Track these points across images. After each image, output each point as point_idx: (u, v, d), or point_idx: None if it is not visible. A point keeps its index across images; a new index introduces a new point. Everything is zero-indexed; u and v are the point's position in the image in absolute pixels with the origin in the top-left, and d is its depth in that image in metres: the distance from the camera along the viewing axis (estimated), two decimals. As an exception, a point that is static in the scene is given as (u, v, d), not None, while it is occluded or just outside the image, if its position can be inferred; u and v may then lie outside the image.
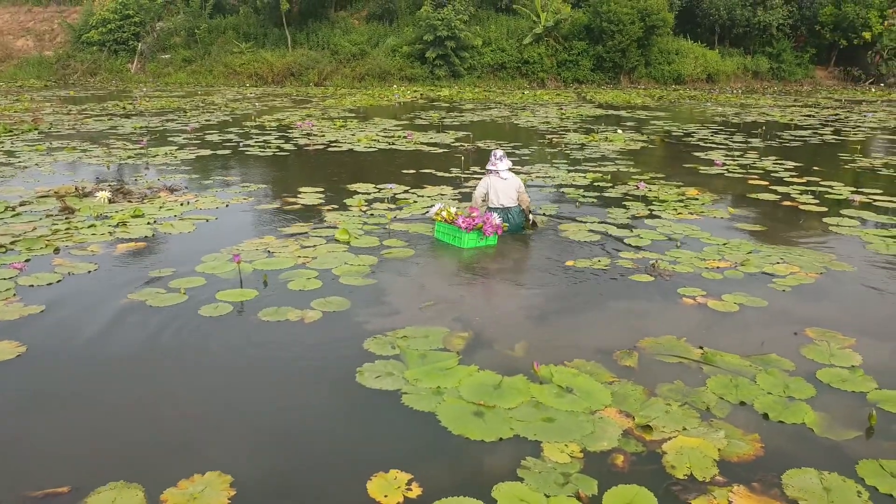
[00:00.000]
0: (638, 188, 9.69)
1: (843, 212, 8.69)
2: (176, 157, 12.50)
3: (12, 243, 6.86)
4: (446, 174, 11.23)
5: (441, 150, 13.85)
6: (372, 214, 8.34)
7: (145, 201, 8.84)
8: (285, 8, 35.25)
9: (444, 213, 7.13)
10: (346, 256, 6.63)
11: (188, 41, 37.88)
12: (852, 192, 9.78)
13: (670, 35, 37.91)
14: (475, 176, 11.03)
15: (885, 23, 38.51)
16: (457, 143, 14.83)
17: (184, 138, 15.05)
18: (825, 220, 8.34)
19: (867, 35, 38.01)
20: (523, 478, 3.23)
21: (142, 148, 13.26)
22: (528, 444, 3.52)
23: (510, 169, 7.62)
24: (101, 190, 8.72)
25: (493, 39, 37.23)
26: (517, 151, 13.79)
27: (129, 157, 12.35)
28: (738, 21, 38.48)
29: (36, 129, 15.95)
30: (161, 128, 16.98)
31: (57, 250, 6.71)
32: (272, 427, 3.75)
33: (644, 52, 37.17)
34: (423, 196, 9.43)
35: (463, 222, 6.88)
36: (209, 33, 37.63)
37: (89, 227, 7.54)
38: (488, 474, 3.30)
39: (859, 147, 14.75)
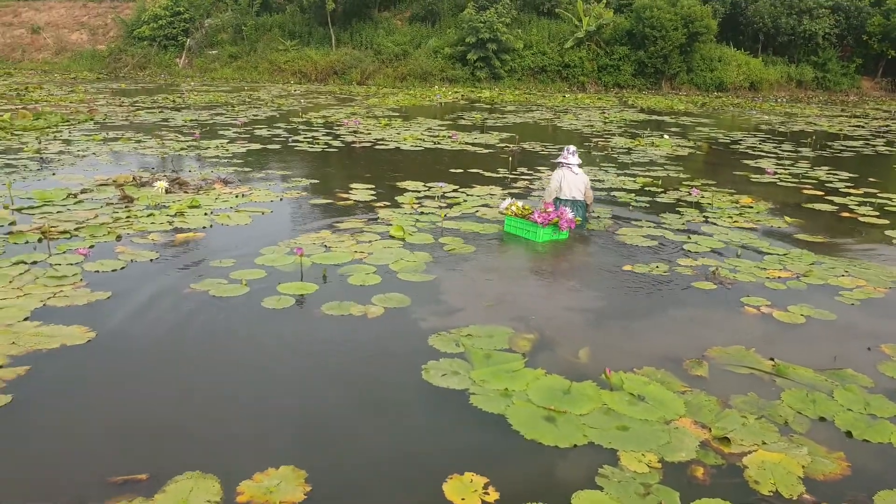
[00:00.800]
0: (691, 194, 9.53)
1: (907, 226, 8.45)
2: (227, 150, 12.65)
3: (76, 229, 6.99)
4: (494, 174, 11.17)
5: (486, 151, 13.80)
6: (423, 212, 8.33)
7: (201, 192, 8.95)
8: (331, 7, 35.53)
9: (514, 208, 7.37)
10: (401, 253, 6.63)
11: (235, 38, 38.42)
12: (915, 206, 9.51)
13: (713, 42, 37.33)
14: (522, 177, 10.97)
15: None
16: (501, 144, 14.77)
17: (233, 132, 15.23)
18: (887, 232, 8.11)
19: (918, 46, 37.04)
20: (602, 486, 3.17)
21: (194, 140, 13.44)
22: (603, 451, 3.46)
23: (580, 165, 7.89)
24: (159, 180, 8.86)
25: (534, 43, 37.07)
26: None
27: (182, 149, 12.53)
28: (782, 29, 37.74)
29: (91, 120, 16.28)
30: (211, 121, 17.20)
31: (119, 238, 6.82)
32: (342, 422, 3.75)
33: (686, 58, 36.68)
34: (472, 195, 9.40)
35: (539, 217, 7.09)
36: (255, 31, 38.12)
37: (148, 215, 7.66)
38: (565, 481, 3.25)
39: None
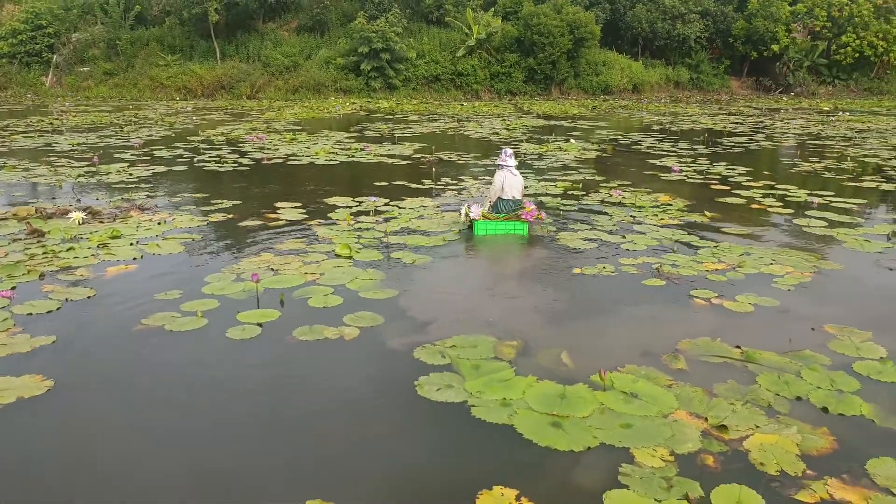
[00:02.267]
0: (613, 195, 9.94)
1: (809, 213, 9.17)
2: (131, 174, 11.97)
3: (-10, 270, 6.40)
4: (419, 185, 11.20)
5: (404, 163, 13.81)
6: (361, 228, 8.23)
7: (117, 221, 8.42)
8: (214, 19, 34.37)
9: (482, 213, 7.95)
10: (354, 271, 6.51)
11: (108, 53, 36.36)
12: (808, 195, 10.33)
13: (597, 47, 39.18)
14: (449, 187, 11.05)
15: (790, 36, 41.04)
16: (417, 155, 14.82)
17: (131, 154, 14.43)
18: (795, 221, 8.78)
19: (775, 48, 40.40)
20: (628, 485, 3.25)
21: (92, 165, 12.63)
22: (616, 451, 3.54)
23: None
24: (73, 210, 8.25)
25: (426, 52, 37.49)
26: (479, 162, 13.90)
27: (79, 176, 11.73)
28: (659, 34, 40.13)
29: (-36, 148, 14.96)
30: (101, 144, 16.22)
31: (42, 276, 6.31)
32: (354, 449, 3.65)
33: (573, 63, 38.27)
34: (405, 208, 9.37)
35: (526, 213, 7.83)
36: (132, 45, 36.25)
37: (68, 249, 7.11)
38: (590, 483, 3.31)
39: (799, 153, 15.62)
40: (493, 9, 39.89)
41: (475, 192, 10.56)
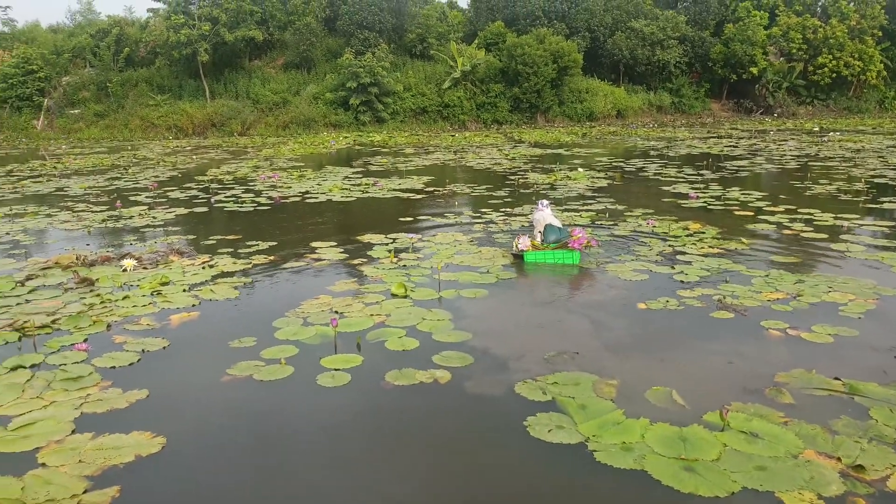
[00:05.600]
0: (647, 224, 10.05)
1: (843, 237, 9.32)
2: (154, 217, 11.86)
3: (53, 322, 6.28)
4: (444, 219, 11.24)
5: (420, 196, 13.85)
6: (406, 266, 8.22)
7: (160, 266, 8.32)
8: (204, 59, 34.46)
9: (533, 243, 8.30)
10: (418, 311, 6.50)
11: (99, 95, 36.19)
12: (835, 219, 10.52)
13: (580, 75, 39.81)
14: (477, 221, 11.08)
15: (767, 58, 42.14)
16: (430, 189, 14.87)
17: (146, 197, 14.31)
18: (834, 246, 8.89)
19: (754, 70, 41.44)
20: (789, 528, 3.25)
21: (114, 209, 12.51)
22: (762, 495, 3.55)
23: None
24: (123, 258, 8.15)
25: (412, 84, 37.82)
26: (494, 194, 13.97)
27: (104, 221, 11.59)
28: (639, 60, 40.95)
29: (-27, 195, 14.73)
30: (112, 187, 16.07)
31: (109, 326, 6.20)
32: (483, 496, 3.60)
33: (557, 91, 38.82)
34: (440, 244, 9.38)
35: (574, 242, 8.10)
36: (121, 86, 36.12)
37: (123, 298, 7.02)
38: (749, 527, 3.30)
39: (808, 175, 15.94)
40: (475, 41, 40.45)
41: (503, 225, 10.60)
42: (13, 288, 7.41)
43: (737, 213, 11.35)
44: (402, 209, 12.43)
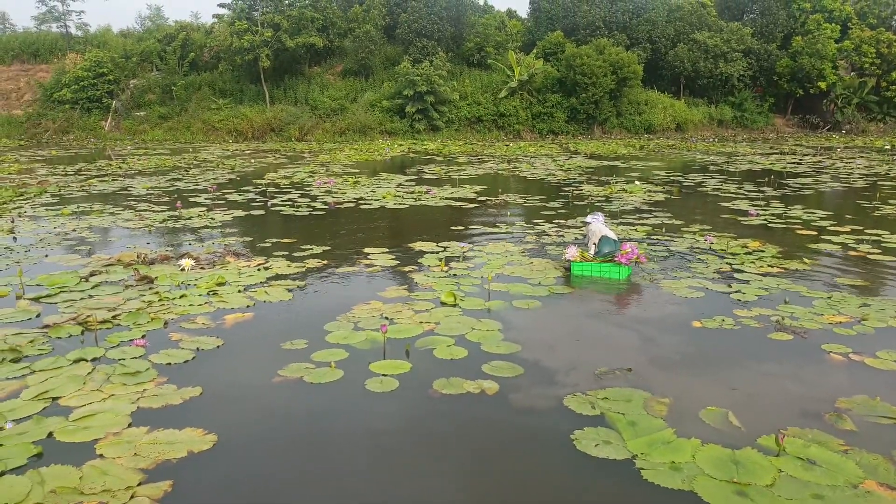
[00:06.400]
0: (705, 241, 9.82)
1: (914, 260, 8.95)
2: (212, 218, 12.18)
3: (114, 318, 6.51)
4: (495, 229, 11.21)
5: (472, 206, 13.86)
6: (456, 275, 8.22)
7: (217, 267, 8.53)
8: (265, 65, 35.34)
9: (583, 255, 8.24)
10: (468, 321, 6.49)
11: (163, 98, 37.56)
12: (904, 241, 10.11)
13: (640, 87, 39.31)
14: (529, 232, 11.02)
15: (837, 73, 40.81)
16: (482, 198, 14.87)
17: (205, 198, 14.71)
18: (901, 269, 8.55)
19: (822, 84, 40.17)
20: (848, 561, 3.11)
21: (174, 210, 12.90)
22: (819, 522, 3.41)
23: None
24: (182, 257, 8.40)
25: (469, 93, 37.99)
26: (548, 205, 13.88)
27: (164, 221, 11.96)
28: (701, 72, 40.18)
29: (45, 192, 15.40)
30: (172, 188, 16.59)
31: (166, 324, 6.39)
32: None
33: (615, 103, 38.43)
34: (491, 254, 9.36)
35: (622, 256, 8.01)
36: (185, 90, 37.40)
37: (181, 297, 7.22)
38: (804, 558, 3.17)
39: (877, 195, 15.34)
40: (534, 51, 40.39)
41: (555, 237, 10.52)
42: (78, 283, 7.71)
43: (799, 231, 11.00)
44: (453, 218, 12.47)
